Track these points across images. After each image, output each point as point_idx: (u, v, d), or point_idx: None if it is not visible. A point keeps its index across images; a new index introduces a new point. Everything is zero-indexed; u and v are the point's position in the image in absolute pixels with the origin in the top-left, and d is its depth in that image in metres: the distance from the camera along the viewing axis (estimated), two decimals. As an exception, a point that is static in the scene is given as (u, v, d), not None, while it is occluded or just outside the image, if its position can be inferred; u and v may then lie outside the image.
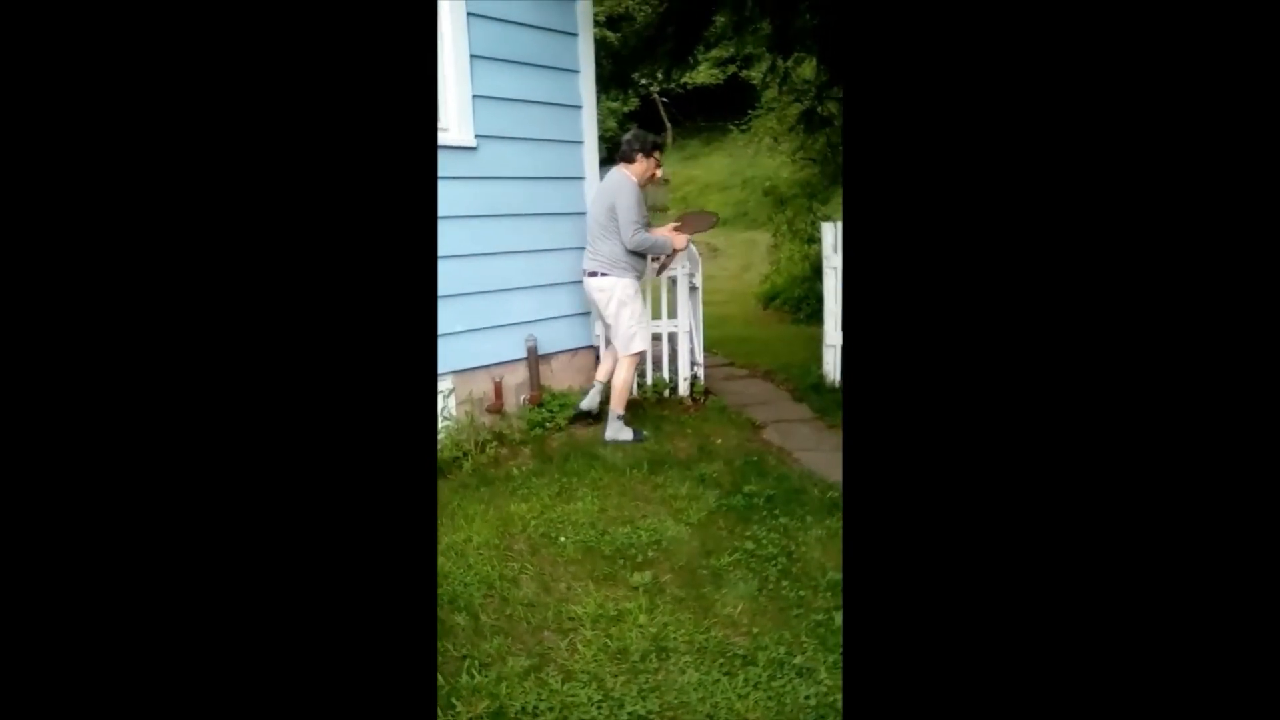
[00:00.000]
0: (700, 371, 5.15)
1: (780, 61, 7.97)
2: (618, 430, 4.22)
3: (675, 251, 4.47)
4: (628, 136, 4.34)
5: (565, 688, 2.14)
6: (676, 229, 4.43)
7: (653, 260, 4.50)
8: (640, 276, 4.32)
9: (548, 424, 4.36)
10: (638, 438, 4.22)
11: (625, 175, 4.20)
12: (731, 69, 15.74)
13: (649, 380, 4.95)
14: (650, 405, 4.76)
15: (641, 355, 4.36)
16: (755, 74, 10.67)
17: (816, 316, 5.41)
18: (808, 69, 8.18)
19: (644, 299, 4.46)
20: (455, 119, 4.02)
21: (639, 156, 4.20)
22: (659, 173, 4.31)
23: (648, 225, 4.28)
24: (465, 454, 3.94)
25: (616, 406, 4.25)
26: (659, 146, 4.28)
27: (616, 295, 4.23)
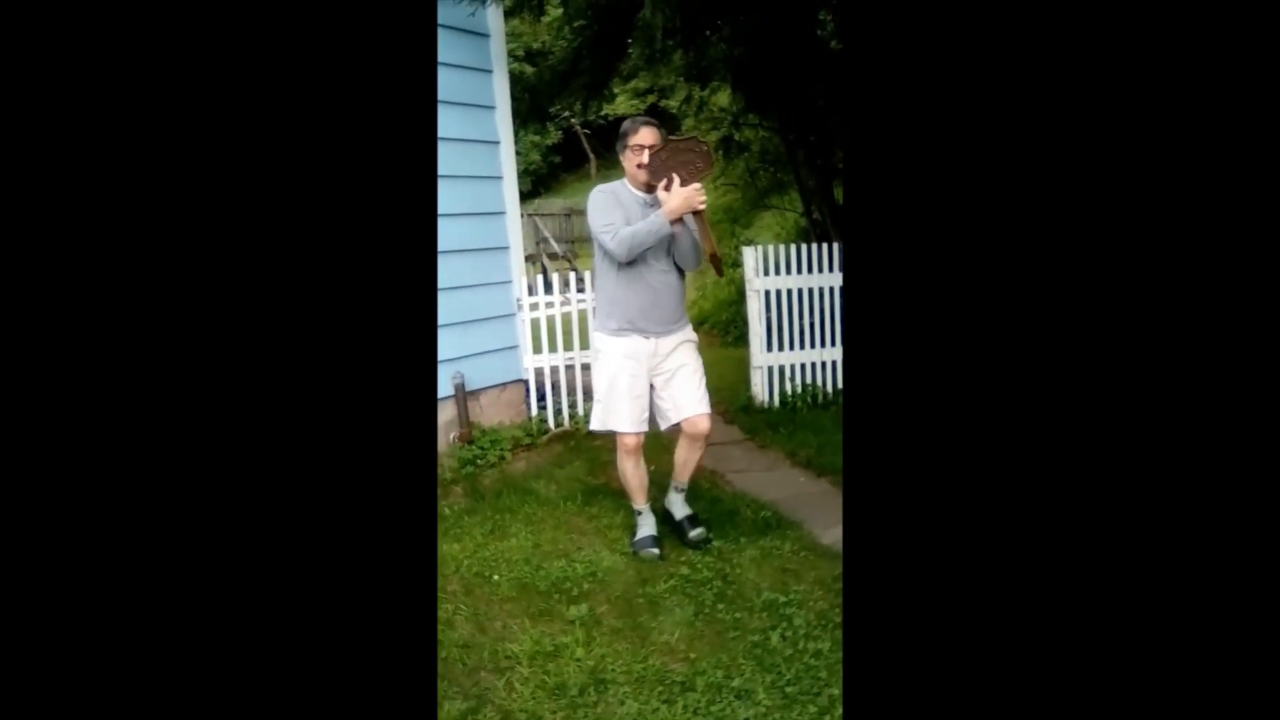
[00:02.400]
0: (631, 399, 5.15)
1: (696, 91, 8.11)
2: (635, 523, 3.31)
3: (699, 214, 2.86)
4: None
5: (503, 728, 2.11)
6: (667, 186, 2.84)
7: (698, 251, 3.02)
8: (619, 328, 3.03)
9: (479, 461, 4.32)
10: (637, 543, 3.19)
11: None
12: (651, 98, 15.95)
13: (580, 411, 4.94)
14: (582, 437, 4.76)
15: (624, 440, 3.11)
16: (674, 103, 10.87)
17: (744, 339, 5.50)
18: (723, 97, 8.34)
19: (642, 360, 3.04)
20: (371, 159, 3.99)
21: (622, 159, 3.05)
22: (643, 162, 2.90)
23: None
24: (396, 496, 3.87)
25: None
26: (626, 133, 2.98)
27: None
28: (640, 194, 2.99)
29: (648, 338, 3.03)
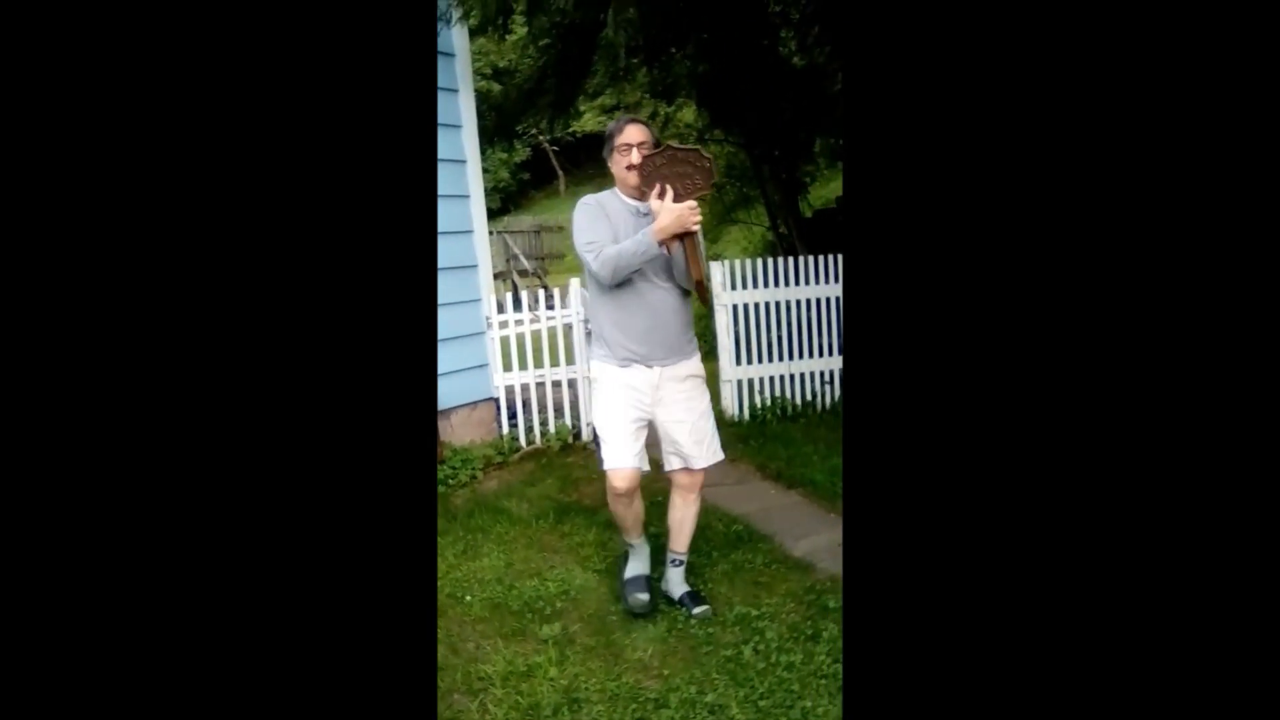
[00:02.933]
0: (603, 416, 5.15)
1: (662, 107, 8.17)
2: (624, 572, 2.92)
3: (689, 237, 2.50)
4: None
5: (476, 751, 2.10)
6: (660, 193, 2.47)
7: (687, 278, 2.61)
8: (616, 356, 2.65)
9: (451, 480, 4.30)
10: (627, 585, 2.84)
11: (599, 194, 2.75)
12: (617, 114, 16.07)
13: (551, 428, 4.94)
14: (554, 454, 4.76)
15: (614, 477, 2.65)
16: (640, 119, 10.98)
17: (713, 353, 5.54)
18: (689, 113, 8.41)
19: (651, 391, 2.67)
20: (336, 179, 3.98)
21: (610, 164, 2.67)
22: (634, 162, 2.53)
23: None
24: (366, 518, 3.84)
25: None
26: (613, 134, 2.64)
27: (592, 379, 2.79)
28: (632, 202, 2.63)
29: (650, 366, 2.65)
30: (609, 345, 2.67)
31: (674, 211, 2.43)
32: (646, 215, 2.57)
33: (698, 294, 2.67)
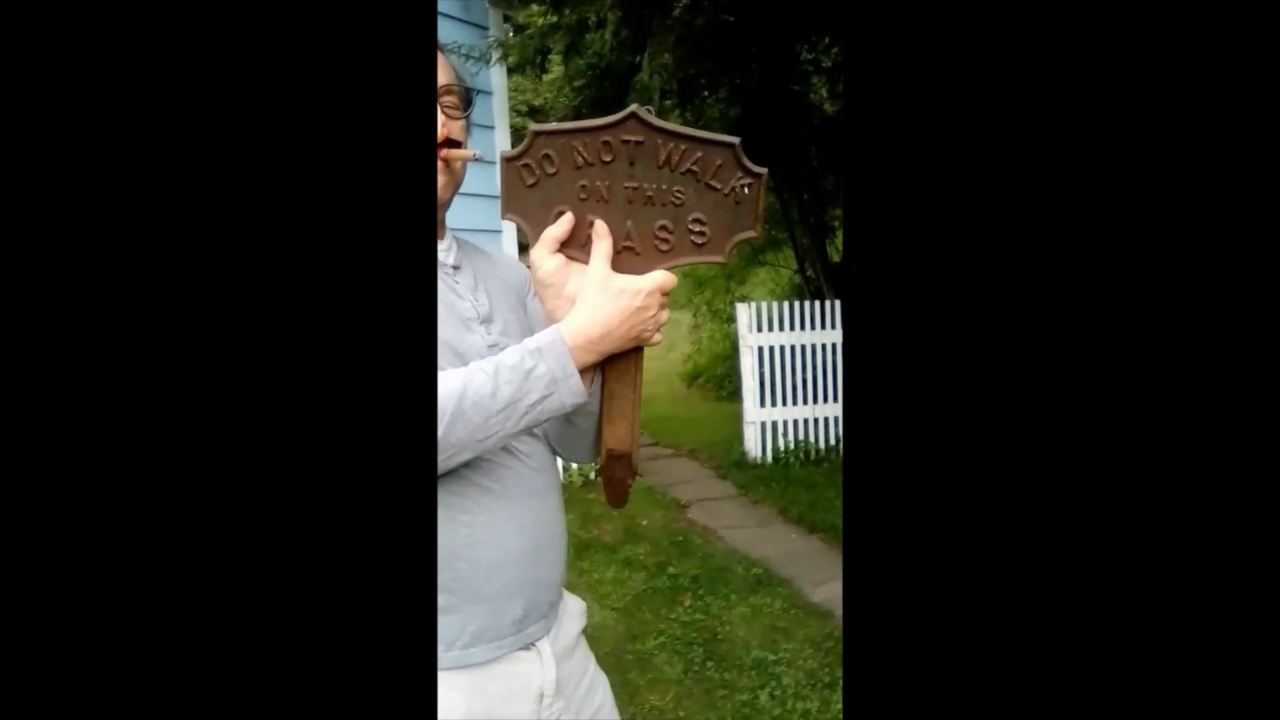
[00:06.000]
0: (625, 453, 5.12)
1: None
2: None
3: (630, 359, 0.96)
4: None
5: (488, 787, 2.09)
6: (571, 243, 0.92)
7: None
8: (455, 638, 0.94)
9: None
10: None
11: None
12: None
13: (574, 466, 4.94)
14: (576, 489, 4.76)
15: None
16: (671, 160, 11.07)
17: (738, 394, 5.54)
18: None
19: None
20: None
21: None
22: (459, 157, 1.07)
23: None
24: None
25: None
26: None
27: None
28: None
29: (532, 645, 1.03)
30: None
31: (627, 295, 0.92)
32: (457, 269, 1.15)
33: (605, 479, 1.08)
